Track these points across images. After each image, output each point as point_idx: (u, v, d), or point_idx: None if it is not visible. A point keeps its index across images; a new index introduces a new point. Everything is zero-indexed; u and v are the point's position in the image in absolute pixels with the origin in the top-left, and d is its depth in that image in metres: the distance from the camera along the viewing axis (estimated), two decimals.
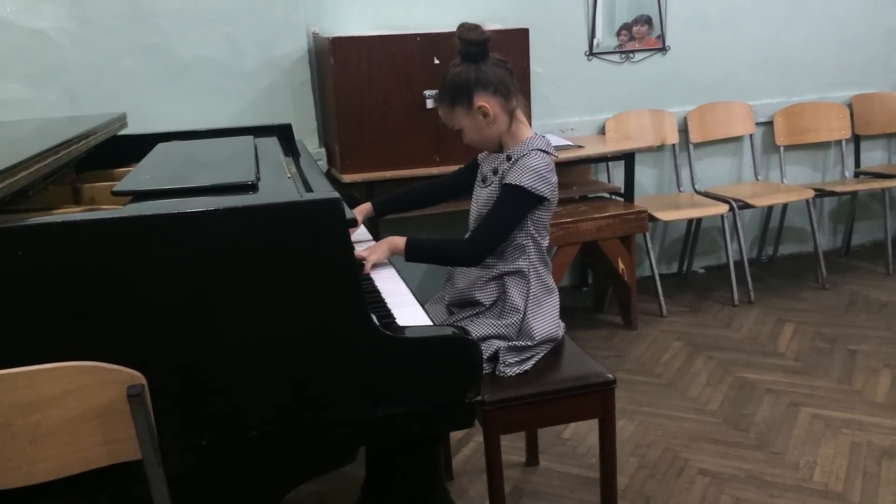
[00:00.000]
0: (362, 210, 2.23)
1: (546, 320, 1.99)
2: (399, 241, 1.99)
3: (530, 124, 2.10)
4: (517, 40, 3.23)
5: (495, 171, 2.02)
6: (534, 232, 1.99)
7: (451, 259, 2.05)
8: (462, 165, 2.24)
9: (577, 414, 2.01)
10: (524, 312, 1.97)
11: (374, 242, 2.14)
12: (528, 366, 1.95)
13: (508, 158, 1.99)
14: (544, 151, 1.97)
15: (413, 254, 1.99)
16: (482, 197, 2.05)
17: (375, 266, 2.01)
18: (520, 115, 2.01)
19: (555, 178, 1.97)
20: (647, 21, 3.93)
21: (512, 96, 1.98)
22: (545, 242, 2.03)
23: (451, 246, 2.03)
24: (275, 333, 1.37)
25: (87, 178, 2.14)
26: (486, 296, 1.99)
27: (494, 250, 1.97)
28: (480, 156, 2.13)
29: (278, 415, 1.41)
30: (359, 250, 1.99)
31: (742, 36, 4.10)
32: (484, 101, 1.94)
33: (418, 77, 3.13)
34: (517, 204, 1.94)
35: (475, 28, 1.94)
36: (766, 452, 2.52)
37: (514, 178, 1.93)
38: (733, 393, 2.92)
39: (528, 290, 1.98)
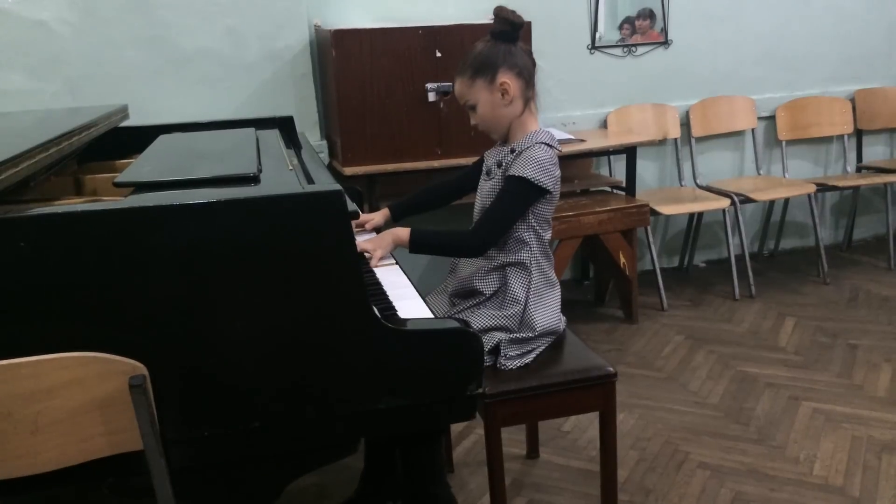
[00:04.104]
0: (384, 215, 2.23)
1: (547, 312, 1.99)
2: (403, 233, 1.99)
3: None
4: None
5: (499, 164, 2.02)
6: (535, 225, 1.99)
7: (454, 250, 2.06)
8: (461, 158, 2.24)
9: (578, 407, 2.00)
10: (525, 304, 1.97)
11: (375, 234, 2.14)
12: (529, 359, 1.95)
13: (512, 151, 1.99)
14: (548, 145, 1.97)
15: (417, 246, 2.00)
16: (486, 189, 2.05)
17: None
18: (532, 106, 2.02)
19: (558, 172, 1.98)
20: (650, 14, 3.92)
21: (532, 85, 2.00)
22: (547, 236, 2.03)
23: (454, 237, 2.04)
24: (276, 325, 1.37)
25: (88, 170, 2.14)
26: (486, 286, 1.99)
27: (498, 241, 1.98)
28: (486, 152, 2.13)
29: (280, 406, 1.41)
30: (362, 243, 1.99)
31: (745, 30, 4.09)
32: (508, 78, 1.95)
33: (420, 70, 3.12)
34: (521, 195, 1.94)
35: (513, 11, 1.97)
36: (767, 446, 2.52)
37: (517, 170, 1.93)
38: (734, 387, 2.93)
39: (529, 282, 1.98)
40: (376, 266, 1.97)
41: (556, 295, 2.04)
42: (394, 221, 2.27)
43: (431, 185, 2.31)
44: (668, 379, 3.02)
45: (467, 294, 2.04)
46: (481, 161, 2.15)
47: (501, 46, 1.96)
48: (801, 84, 4.27)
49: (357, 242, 1.96)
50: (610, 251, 3.41)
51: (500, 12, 1.97)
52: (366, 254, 1.96)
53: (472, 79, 1.97)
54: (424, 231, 2.02)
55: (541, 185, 1.93)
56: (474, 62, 1.96)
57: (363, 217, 2.20)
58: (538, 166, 1.92)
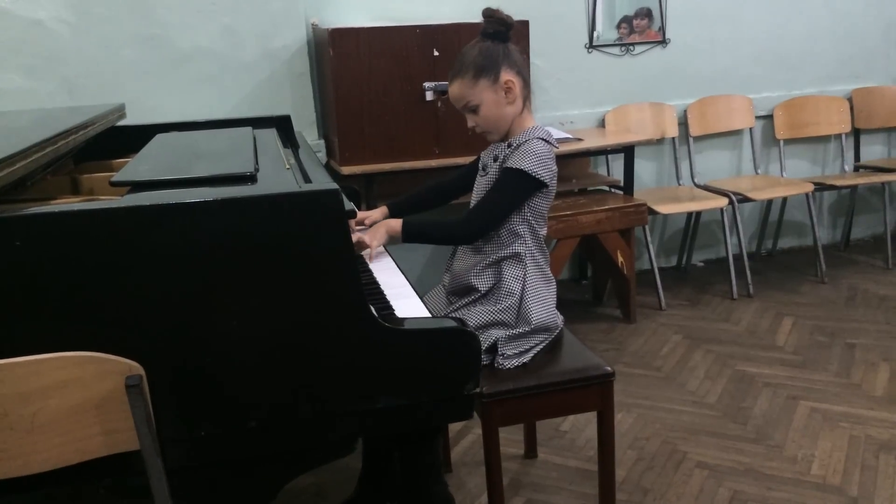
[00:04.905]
0: (383, 212, 2.22)
1: (543, 307, 1.99)
2: (395, 224, 2.00)
3: None
4: (517, 32, 3.15)
5: (495, 159, 2.02)
6: (531, 219, 1.98)
7: (447, 237, 2.06)
8: (459, 157, 2.24)
9: (576, 406, 2.00)
10: (521, 297, 1.96)
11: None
12: (526, 358, 1.95)
13: (509, 146, 1.99)
14: (545, 141, 1.97)
15: (410, 235, 2.00)
16: (481, 186, 2.05)
17: (375, 256, 2.01)
18: (529, 104, 2.03)
19: (555, 167, 1.98)
20: (648, 14, 3.92)
21: (528, 83, 2.01)
22: (543, 231, 2.03)
23: (446, 225, 2.04)
24: (273, 324, 1.37)
25: (85, 169, 2.14)
26: (482, 282, 1.99)
27: (490, 230, 1.97)
28: (483, 151, 2.13)
29: (277, 406, 1.41)
30: (358, 235, 1.99)
31: (742, 29, 4.09)
32: (511, 76, 1.95)
33: (418, 69, 3.12)
34: (517, 187, 1.94)
35: (501, 11, 1.98)
36: (765, 445, 2.52)
37: (515, 163, 1.93)
38: (732, 386, 2.93)
39: (524, 275, 1.97)
40: (373, 258, 1.97)
41: (552, 291, 2.04)
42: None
43: (429, 184, 2.31)
44: (666, 378, 3.02)
45: (463, 291, 2.04)
46: (478, 160, 2.15)
47: (499, 46, 1.96)
48: (798, 83, 4.27)
49: (356, 236, 1.97)
50: (608, 250, 3.41)
51: (493, 13, 1.97)
52: (363, 247, 1.96)
53: (475, 79, 1.95)
54: (416, 220, 2.03)
55: (538, 178, 1.93)
56: (475, 62, 1.96)
57: (362, 214, 2.20)
58: (536, 159, 1.92)
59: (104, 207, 1.31)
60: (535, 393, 1.89)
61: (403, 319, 1.55)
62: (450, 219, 2.06)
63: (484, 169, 2.07)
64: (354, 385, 1.43)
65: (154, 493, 1.26)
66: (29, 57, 2.98)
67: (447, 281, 2.12)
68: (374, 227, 2.04)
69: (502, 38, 1.97)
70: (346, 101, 3.08)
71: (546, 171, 1.94)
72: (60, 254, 1.27)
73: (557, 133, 3.54)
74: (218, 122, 2.46)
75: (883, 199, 4.27)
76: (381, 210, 2.22)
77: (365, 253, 2.01)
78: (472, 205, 2.08)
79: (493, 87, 1.95)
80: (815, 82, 4.29)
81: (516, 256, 1.98)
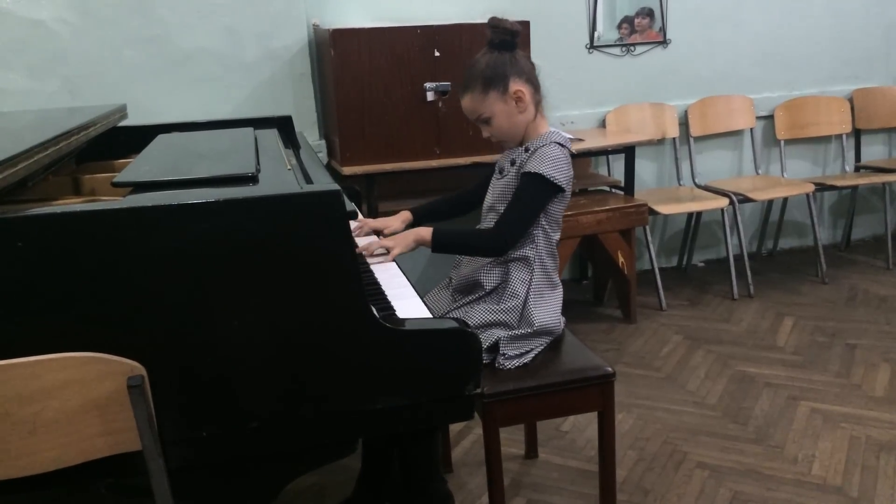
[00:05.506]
0: (403, 219, 2.21)
1: (547, 311, 1.99)
2: (425, 233, 1.98)
3: None
4: None
5: (512, 163, 2.03)
6: (545, 223, 1.99)
7: (477, 250, 2.04)
8: (460, 158, 2.23)
9: (577, 407, 2.01)
10: (525, 299, 1.97)
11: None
12: (527, 359, 1.95)
13: (526, 150, 2.00)
14: (561, 145, 1.98)
15: (440, 246, 1.99)
16: (497, 188, 2.05)
17: (374, 257, 2.01)
18: (541, 109, 2.03)
19: (571, 172, 1.99)
20: (649, 14, 3.92)
21: (539, 89, 2.01)
22: (556, 236, 2.04)
23: (477, 238, 2.04)
24: (274, 325, 1.37)
25: (87, 169, 2.14)
26: (489, 280, 2.00)
27: (520, 238, 1.97)
28: (500, 155, 2.13)
29: (278, 407, 1.41)
30: (385, 241, 1.99)
31: (743, 29, 4.09)
32: (520, 86, 1.96)
33: (419, 69, 3.12)
34: (537, 192, 1.95)
35: (506, 20, 1.97)
36: (765, 446, 2.52)
37: (533, 167, 1.94)
38: (732, 386, 2.93)
39: (530, 279, 1.98)
40: (392, 260, 1.97)
41: (557, 296, 2.04)
42: (415, 224, 2.25)
43: (453, 193, 2.30)
44: (666, 379, 3.02)
45: (469, 288, 2.04)
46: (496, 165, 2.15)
47: (506, 55, 1.96)
48: (799, 83, 4.27)
49: (381, 241, 1.98)
50: (608, 251, 3.41)
51: (498, 23, 1.97)
52: (381, 249, 1.97)
53: (485, 92, 1.96)
54: (447, 231, 2.01)
55: (556, 182, 1.94)
56: (483, 75, 1.96)
57: (381, 223, 2.19)
58: (553, 163, 1.93)
59: (106, 208, 1.31)
60: (536, 393, 1.89)
61: (404, 320, 1.55)
62: (478, 231, 2.06)
63: (500, 171, 2.07)
64: (355, 386, 1.44)
65: (156, 493, 1.27)
66: (30, 57, 2.98)
67: (454, 276, 2.12)
68: (402, 234, 2.01)
69: (509, 47, 1.97)
70: (347, 101, 3.08)
71: (563, 175, 1.95)
72: (62, 254, 1.27)
73: None
74: (219, 122, 2.47)
75: (883, 199, 4.27)
76: (403, 216, 2.21)
77: (379, 251, 1.99)
78: (485, 206, 2.09)
79: (503, 98, 1.96)
80: (816, 83, 4.30)
81: (525, 260, 1.99)
